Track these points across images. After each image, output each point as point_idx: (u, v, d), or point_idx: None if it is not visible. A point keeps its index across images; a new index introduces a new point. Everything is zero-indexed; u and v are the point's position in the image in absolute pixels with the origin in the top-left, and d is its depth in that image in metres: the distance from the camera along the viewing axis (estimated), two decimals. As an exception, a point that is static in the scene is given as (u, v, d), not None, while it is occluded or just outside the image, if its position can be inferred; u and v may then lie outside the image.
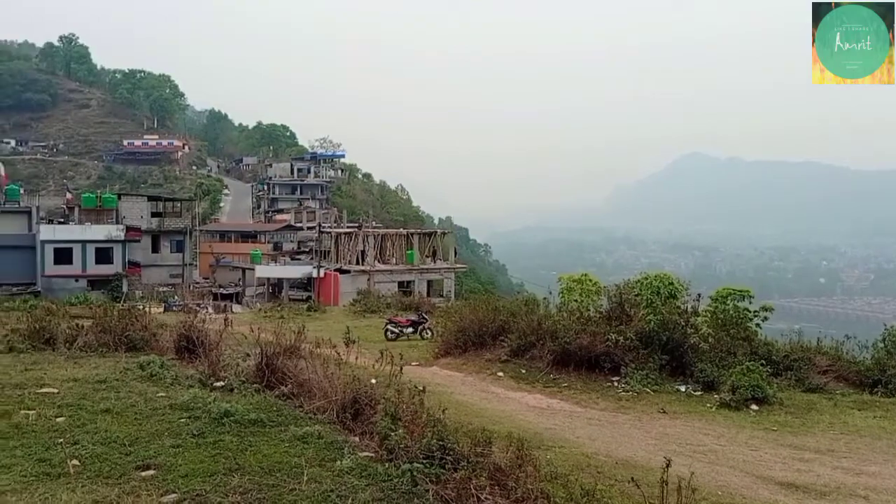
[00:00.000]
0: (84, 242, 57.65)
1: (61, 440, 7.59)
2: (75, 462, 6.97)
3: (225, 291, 61.63)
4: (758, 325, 17.54)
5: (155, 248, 65.36)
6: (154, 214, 67.01)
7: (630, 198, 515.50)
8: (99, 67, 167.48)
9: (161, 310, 35.86)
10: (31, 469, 6.83)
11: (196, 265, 71.17)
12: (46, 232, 57.27)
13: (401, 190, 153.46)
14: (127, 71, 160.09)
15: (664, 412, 13.42)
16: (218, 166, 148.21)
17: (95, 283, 56.48)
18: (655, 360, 15.36)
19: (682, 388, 14.88)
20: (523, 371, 16.24)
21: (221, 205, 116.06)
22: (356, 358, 10.27)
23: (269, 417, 8.62)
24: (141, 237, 62.54)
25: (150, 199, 71.53)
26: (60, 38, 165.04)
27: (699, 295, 18.24)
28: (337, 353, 10.36)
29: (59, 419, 8.56)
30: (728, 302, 18.05)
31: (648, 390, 14.65)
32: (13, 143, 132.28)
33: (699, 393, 14.67)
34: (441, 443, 7.17)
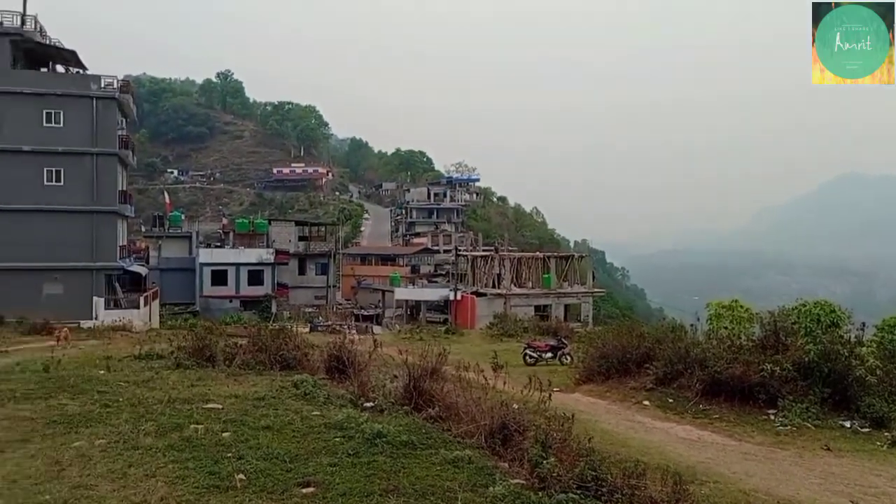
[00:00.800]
0: (238, 265, 61.45)
1: (229, 454, 8.03)
2: (241, 476, 7.31)
3: (366, 313, 63.53)
4: (932, 357, 16.09)
5: (301, 271, 68.63)
6: (301, 238, 70.52)
7: (778, 220, 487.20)
8: (251, 100, 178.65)
9: (307, 330, 37.37)
10: (202, 481, 7.23)
11: (339, 287, 74.02)
12: (205, 255, 61.48)
13: (535, 213, 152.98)
14: (276, 103, 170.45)
15: (828, 449, 12.53)
16: (359, 192, 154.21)
17: (247, 303, 59.99)
18: (816, 393, 14.41)
19: (847, 424, 13.86)
20: (670, 400, 15.67)
21: (362, 229, 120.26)
22: (504, 383, 10.23)
23: (420, 440, 8.73)
24: (289, 260, 65.94)
25: (297, 223, 75.36)
26: (217, 74, 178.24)
27: (864, 324, 17.02)
28: (484, 377, 10.38)
29: (224, 434, 9.06)
30: (897, 332, 16.69)
31: (809, 425, 13.74)
32: (176, 172, 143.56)
33: (867, 430, 13.61)
34: (594, 473, 7.02)
